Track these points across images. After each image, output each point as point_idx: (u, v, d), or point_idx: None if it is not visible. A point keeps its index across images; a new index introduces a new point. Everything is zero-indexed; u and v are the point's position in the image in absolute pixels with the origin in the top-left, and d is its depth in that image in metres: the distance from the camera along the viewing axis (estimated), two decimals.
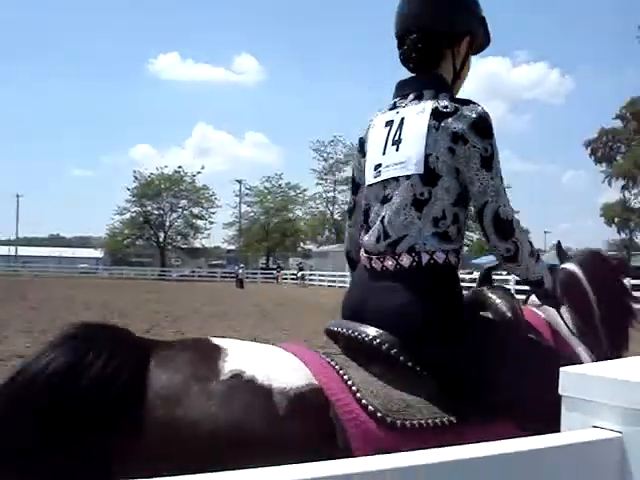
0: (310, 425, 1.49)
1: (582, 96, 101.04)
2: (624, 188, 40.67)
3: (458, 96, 1.96)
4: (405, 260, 1.82)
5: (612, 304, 2.36)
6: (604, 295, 2.33)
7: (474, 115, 1.82)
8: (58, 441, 1.38)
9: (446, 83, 1.96)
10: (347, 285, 2.38)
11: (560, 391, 0.73)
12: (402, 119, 1.90)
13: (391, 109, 1.98)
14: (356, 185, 2.15)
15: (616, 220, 41.46)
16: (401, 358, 1.71)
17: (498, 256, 1.88)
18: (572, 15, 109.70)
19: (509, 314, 1.80)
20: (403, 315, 1.75)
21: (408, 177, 1.84)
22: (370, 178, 1.98)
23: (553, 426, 0.94)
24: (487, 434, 1.32)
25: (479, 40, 2.07)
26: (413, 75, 2.01)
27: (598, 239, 78.85)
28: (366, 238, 1.94)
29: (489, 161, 1.82)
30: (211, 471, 0.75)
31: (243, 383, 1.49)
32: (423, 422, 1.58)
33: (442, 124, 1.82)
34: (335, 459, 0.79)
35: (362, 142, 2.10)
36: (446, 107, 1.84)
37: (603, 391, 0.69)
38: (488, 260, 46.62)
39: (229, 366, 1.51)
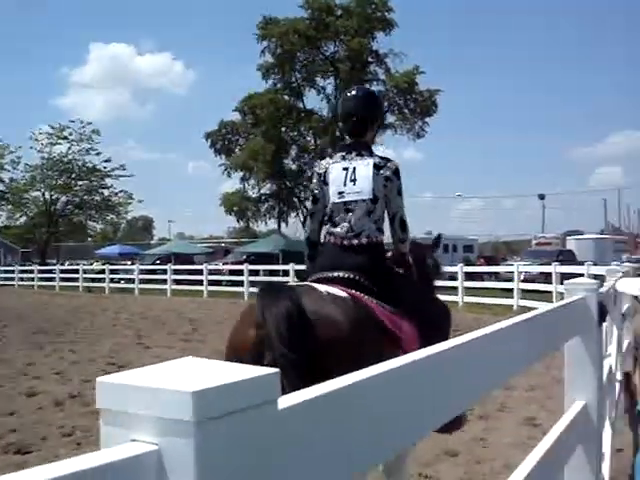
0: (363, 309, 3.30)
1: (205, 88, 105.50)
2: (243, 179, 43.41)
3: (380, 154, 3.89)
4: (364, 240, 3.68)
5: (422, 268, 4.28)
6: (418, 263, 4.21)
7: (394, 167, 3.77)
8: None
9: (371, 147, 3.91)
10: None
11: (98, 404, 0.66)
12: (354, 167, 3.72)
13: (343, 160, 3.77)
14: (315, 199, 3.89)
15: (235, 209, 44.06)
16: (366, 283, 3.49)
17: (397, 241, 3.89)
18: (191, 7, 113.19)
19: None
20: (365, 265, 3.58)
21: (363, 200, 3.68)
22: (335, 198, 3.74)
23: (432, 322, 3.54)
24: (402, 318, 3.44)
25: (382, 121, 4.83)
26: (352, 141, 3.87)
27: (223, 227, 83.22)
28: (337, 230, 3.72)
29: (400, 191, 3.81)
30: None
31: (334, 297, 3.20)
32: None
33: (379, 172, 3.70)
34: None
35: (323, 176, 3.81)
36: (380, 162, 3.74)
37: (139, 401, 0.64)
38: (111, 251, 45.79)
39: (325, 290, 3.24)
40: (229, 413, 0.65)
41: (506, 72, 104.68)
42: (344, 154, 3.79)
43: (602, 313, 3.05)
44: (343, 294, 3.26)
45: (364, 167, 3.69)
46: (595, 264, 19.16)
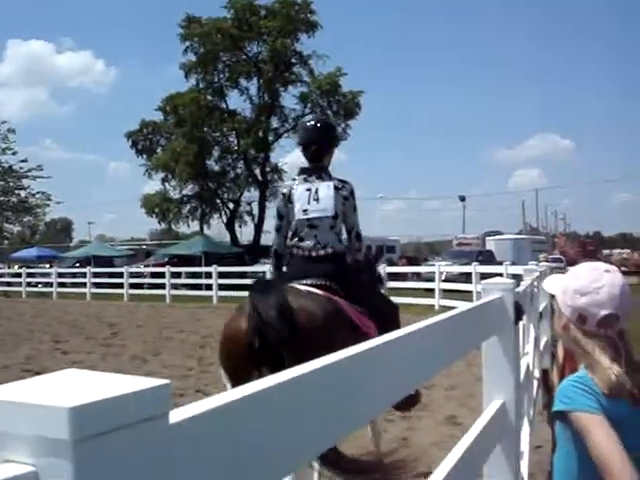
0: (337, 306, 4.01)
1: (127, 88, 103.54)
2: (164, 180, 42.78)
3: (337, 177, 4.50)
4: (330, 251, 4.31)
5: (372, 275, 5.16)
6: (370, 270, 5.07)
7: (350, 188, 4.47)
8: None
9: (328, 170, 4.52)
10: None
11: None
12: (317, 188, 4.34)
13: (305, 182, 4.39)
14: (281, 216, 4.53)
15: (156, 210, 43.31)
16: (335, 286, 4.14)
17: (354, 250, 4.53)
18: (113, 5, 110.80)
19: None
20: (332, 271, 4.20)
21: (327, 217, 4.32)
22: (300, 215, 4.35)
23: (387, 317, 4.32)
24: (363, 314, 4.14)
25: (335, 147, 4.70)
26: (312, 165, 4.46)
27: (144, 229, 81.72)
28: (304, 243, 4.34)
29: (355, 208, 4.50)
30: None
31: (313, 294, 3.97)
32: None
33: (338, 192, 4.36)
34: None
35: (288, 196, 4.43)
36: (338, 184, 4.40)
37: (14, 418, 0.57)
38: (28, 254, 44.41)
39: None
40: (114, 429, 0.60)
41: (427, 75, 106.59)
42: (306, 177, 4.46)
43: (518, 312, 3.09)
44: (320, 292, 4.05)
45: (326, 188, 4.38)
46: (513, 264, 19.67)
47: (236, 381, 3.38)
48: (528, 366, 5.19)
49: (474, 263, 19.98)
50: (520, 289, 3.49)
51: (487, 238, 43.43)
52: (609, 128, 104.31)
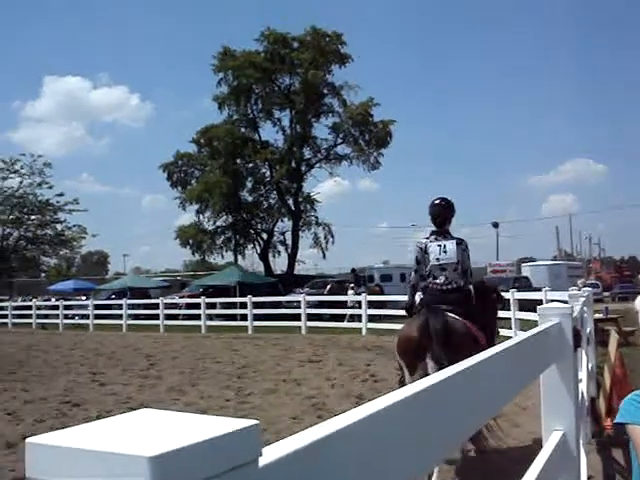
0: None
1: (161, 121, 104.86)
2: (198, 212, 43.05)
3: (455, 236, 6.56)
4: (454, 285, 6.34)
5: (489, 305, 6.79)
6: (484, 301, 6.66)
7: (465, 243, 6.56)
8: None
9: (450, 232, 6.56)
10: None
11: (28, 473, 0.50)
12: (445, 244, 6.36)
13: (436, 240, 6.41)
14: (418, 261, 6.45)
15: (191, 242, 43.53)
16: (459, 311, 6.01)
17: (467, 283, 6.51)
18: (150, 40, 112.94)
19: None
20: (456, 300, 6.15)
21: (452, 262, 6.35)
22: (434, 262, 6.33)
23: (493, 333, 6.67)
24: (479, 330, 6.05)
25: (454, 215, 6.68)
26: (439, 229, 6.47)
27: (179, 260, 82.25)
28: (437, 280, 6.34)
29: (469, 256, 6.60)
30: None
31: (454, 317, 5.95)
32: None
33: (459, 246, 6.41)
34: None
35: (424, 249, 6.41)
36: (458, 241, 6.47)
37: (81, 469, 0.47)
38: (65, 287, 44.94)
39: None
40: None
41: (458, 101, 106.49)
42: (436, 236, 6.52)
43: (577, 338, 2.95)
44: (457, 318, 5.95)
45: (451, 244, 6.45)
46: (552, 290, 19.29)
47: (409, 367, 5.77)
48: (582, 394, 5.01)
49: (511, 290, 19.60)
50: (575, 314, 3.34)
51: (522, 265, 42.85)
52: None
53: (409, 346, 5.72)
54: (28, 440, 0.55)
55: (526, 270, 40.14)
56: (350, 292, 28.82)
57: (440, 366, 5.05)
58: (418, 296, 6.62)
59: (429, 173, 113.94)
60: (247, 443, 0.56)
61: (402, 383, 5.67)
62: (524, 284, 32.44)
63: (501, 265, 44.31)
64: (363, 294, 24.30)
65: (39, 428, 8.18)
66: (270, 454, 0.62)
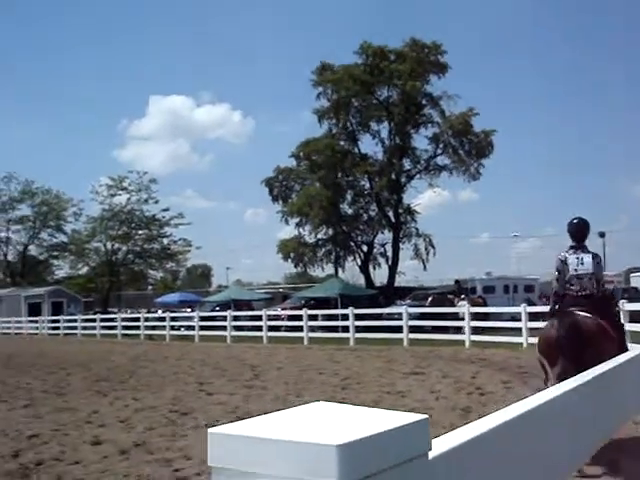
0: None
1: (262, 137, 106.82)
2: (298, 225, 43.58)
3: (592, 251, 7.60)
4: (588, 292, 7.28)
5: (612, 310, 8.67)
6: (609, 306, 8.11)
7: (600, 257, 7.69)
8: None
9: (586, 246, 7.54)
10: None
11: (210, 461, 0.52)
12: (582, 257, 7.35)
13: (575, 253, 7.39)
14: (559, 271, 7.41)
15: (292, 255, 44.09)
16: (590, 310, 6.94)
17: (601, 291, 7.56)
18: (251, 57, 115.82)
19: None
20: (589, 304, 7.07)
21: (588, 273, 7.30)
22: (572, 272, 7.31)
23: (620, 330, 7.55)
24: (610, 327, 6.98)
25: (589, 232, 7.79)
26: (578, 244, 7.46)
27: (280, 273, 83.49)
28: (574, 288, 7.32)
29: (602, 269, 7.78)
30: None
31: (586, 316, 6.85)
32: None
33: (594, 259, 7.38)
34: None
35: (564, 261, 7.37)
36: (593, 254, 7.50)
37: (265, 458, 0.49)
38: (171, 299, 46.41)
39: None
40: (379, 472, 0.50)
41: (561, 110, 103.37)
42: (575, 250, 7.47)
43: None
44: (590, 316, 6.82)
45: (587, 257, 7.42)
46: None
47: (550, 363, 6.65)
48: None
49: (621, 301, 18.78)
50: None
51: (631, 275, 41.07)
52: None
53: (549, 344, 6.75)
54: (210, 430, 0.57)
55: (635, 281, 38.45)
56: (462, 302, 28.53)
57: (577, 361, 5.98)
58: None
59: (531, 182, 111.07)
60: (419, 436, 0.56)
61: (547, 378, 6.88)
62: (633, 295, 31.08)
63: (609, 275, 42.59)
64: (466, 306, 23.90)
65: (150, 435, 8.44)
66: (438, 447, 0.63)
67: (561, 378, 5.57)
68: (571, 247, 7.55)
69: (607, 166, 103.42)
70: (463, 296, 31.56)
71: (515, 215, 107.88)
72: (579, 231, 7.63)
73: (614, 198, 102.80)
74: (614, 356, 5.85)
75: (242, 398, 11.84)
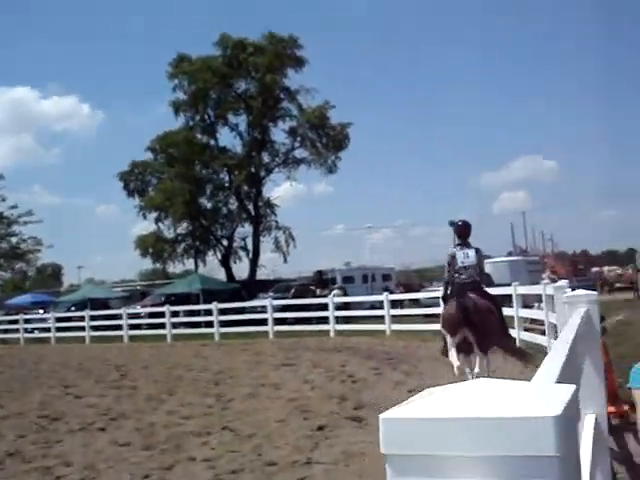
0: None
1: (114, 130, 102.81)
2: (158, 220, 42.58)
3: (474, 246, 9.26)
4: (475, 280, 8.99)
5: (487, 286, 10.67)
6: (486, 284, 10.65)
7: (482, 251, 9.40)
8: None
9: (469, 242, 9.23)
10: None
11: (385, 449, 0.49)
12: (467, 252, 9.03)
13: (462, 249, 9.06)
14: (449, 264, 9.16)
15: (151, 251, 43.00)
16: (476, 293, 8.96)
17: (483, 279, 9.59)
18: (102, 49, 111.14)
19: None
20: (474, 288, 8.89)
21: (472, 265, 9.00)
22: (460, 264, 8.98)
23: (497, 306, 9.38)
24: (492, 305, 9.15)
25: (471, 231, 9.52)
26: (463, 242, 9.17)
27: (133, 270, 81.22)
28: (462, 277, 8.98)
29: (483, 260, 9.67)
30: None
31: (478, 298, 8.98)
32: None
33: (477, 253, 9.12)
34: None
35: (453, 256, 9.07)
36: (477, 249, 9.17)
37: (461, 439, 0.47)
38: (23, 300, 43.99)
39: None
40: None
41: (412, 102, 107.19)
42: (461, 247, 9.09)
43: (602, 325, 3.02)
44: (478, 297, 8.66)
45: (471, 252, 9.02)
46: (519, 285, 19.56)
47: (451, 334, 8.63)
48: None
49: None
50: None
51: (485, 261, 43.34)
52: (591, 145, 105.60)
53: (451, 320, 8.69)
54: (382, 416, 0.55)
55: (487, 267, 40.61)
56: (336, 291, 29.06)
57: (472, 331, 8.45)
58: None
59: (383, 175, 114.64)
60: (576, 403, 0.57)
61: (445, 347, 9.07)
62: (486, 280, 32.82)
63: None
64: (329, 296, 24.36)
65: (23, 443, 8.02)
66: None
67: (459, 345, 8.66)
68: (457, 244, 9.17)
69: (454, 157, 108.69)
70: (338, 286, 32.23)
71: (368, 207, 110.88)
72: (464, 232, 9.25)
73: (461, 187, 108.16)
74: (497, 327, 9.02)
75: (113, 399, 11.49)
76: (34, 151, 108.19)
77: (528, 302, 16.97)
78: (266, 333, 23.51)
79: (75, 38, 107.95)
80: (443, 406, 0.51)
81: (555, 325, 10.92)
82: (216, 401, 10.48)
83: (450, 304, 8.88)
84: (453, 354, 8.64)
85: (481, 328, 8.45)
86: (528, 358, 9.63)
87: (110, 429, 8.74)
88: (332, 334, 21.94)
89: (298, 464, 6.39)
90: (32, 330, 32.87)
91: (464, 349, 8.67)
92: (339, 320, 22.95)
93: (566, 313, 3.06)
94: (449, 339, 8.70)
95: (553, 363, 1.22)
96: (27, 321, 32.96)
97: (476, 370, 8.48)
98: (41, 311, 38.98)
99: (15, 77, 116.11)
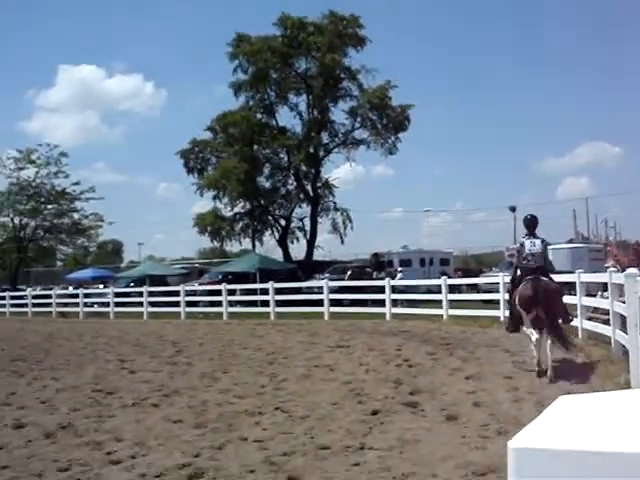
0: None
1: (177, 109, 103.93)
2: (215, 198, 42.91)
3: (540, 236, 10.71)
4: (541, 266, 10.41)
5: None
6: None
7: (547, 241, 10.87)
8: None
9: (536, 234, 10.65)
10: None
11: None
12: (534, 241, 10.44)
13: (529, 239, 10.49)
14: (518, 252, 10.79)
15: (209, 229, 43.41)
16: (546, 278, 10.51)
17: (549, 265, 10.94)
18: (167, 26, 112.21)
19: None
20: (542, 272, 10.36)
21: (539, 252, 10.40)
22: (527, 251, 10.42)
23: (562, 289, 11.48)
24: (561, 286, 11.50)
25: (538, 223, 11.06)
26: (531, 232, 10.62)
27: (194, 248, 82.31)
28: (529, 263, 10.41)
29: (547, 248, 10.86)
30: None
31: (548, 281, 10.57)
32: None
33: (543, 242, 10.53)
34: None
35: (522, 244, 10.63)
36: (543, 239, 10.59)
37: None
38: (84, 275, 45.06)
39: None
40: None
41: (475, 84, 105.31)
42: (529, 237, 10.45)
43: None
44: (548, 280, 10.30)
45: (538, 241, 10.38)
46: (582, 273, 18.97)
47: (527, 311, 10.09)
48: None
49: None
50: None
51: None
52: None
53: (527, 299, 10.05)
54: (513, 445, 0.40)
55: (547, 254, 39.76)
56: (399, 275, 28.84)
57: (545, 309, 9.87)
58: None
59: (443, 159, 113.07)
60: None
61: (519, 322, 10.70)
62: (551, 268, 32.12)
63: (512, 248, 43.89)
64: (387, 279, 24.11)
65: (75, 417, 8.04)
66: None
67: (534, 321, 9.98)
68: (526, 234, 10.75)
69: (516, 142, 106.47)
70: (400, 269, 31.99)
71: (428, 191, 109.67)
72: (532, 223, 10.75)
73: (524, 172, 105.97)
74: (563, 308, 10.62)
75: (167, 375, 11.52)
76: (98, 129, 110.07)
77: (590, 290, 16.46)
78: (322, 314, 23.41)
79: (139, 17, 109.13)
80: (595, 432, 0.41)
81: (622, 315, 10.49)
82: (269, 381, 10.40)
83: (525, 285, 10.18)
84: (530, 329, 10.09)
85: (552, 307, 10.04)
86: (570, 345, 10.26)
87: (163, 405, 8.72)
88: (388, 317, 21.71)
89: (351, 449, 6.21)
90: (92, 304, 33.55)
91: (537, 325, 10.00)
92: (396, 303, 22.75)
93: None
94: (525, 316, 10.20)
95: None
96: (87, 295, 33.64)
97: (548, 342, 9.75)
98: (101, 286, 39.80)
99: (81, 55, 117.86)
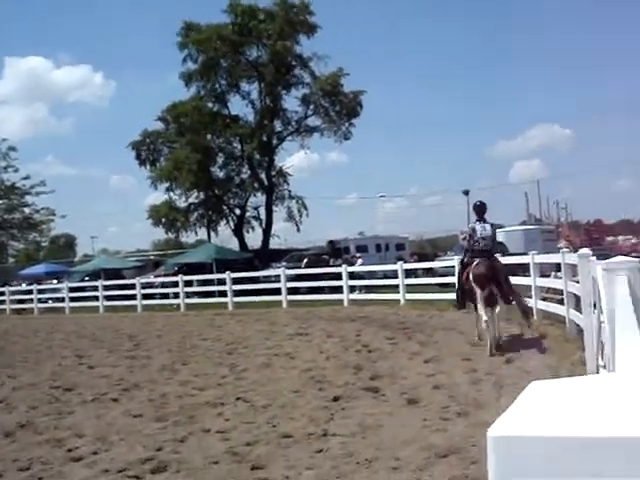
0: None
1: (127, 100, 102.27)
2: (168, 190, 42.41)
3: (490, 221, 11.84)
4: (488, 247, 11.52)
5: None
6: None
7: (496, 225, 12.93)
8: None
9: (486, 219, 11.67)
10: None
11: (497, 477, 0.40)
12: (484, 226, 11.49)
13: (480, 224, 11.50)
14: (471, 236, 11.63)
15: (163, 221, 42.95)
16: (492, 257, 11.68)
17: (495, 247, 12.64)
18: (115, 15, 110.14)
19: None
20: (490, 256, 11.46)
21: (488, 236, 11.50)
22: (478, 235, 11.45)
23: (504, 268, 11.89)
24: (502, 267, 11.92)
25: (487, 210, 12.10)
26: (480, 218, 11.61)
27: (147, 240, 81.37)
28: (479, 246, 11.45)
29: (496, 233, 12.74)
30: None
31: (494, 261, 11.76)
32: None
33: (492, 227, 11.70)
34: None
35: (473, 228, 11.60)
36: (492, 224, 11.79)
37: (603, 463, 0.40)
38: (37, 271, 44.09)
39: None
40: None
41: (426, 70, 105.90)
42: (479, 222, 11.50)
43: None
44: (494, 259, 11.60)
45: (488, 226, 11.47)
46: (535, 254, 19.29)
47: (481, 288, 10.84)
48: None
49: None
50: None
51: (497, 231, 43.14)
52: (608, 116, 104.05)
53: (481, 276, 10.87)
54: (492, 433, 0.39)
55: (500, 235, 40.37)
56: (359, 261, 28.85)
57: (496, 286, 10.85)
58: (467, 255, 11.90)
59: (397, 144, 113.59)
60: None
61: (462, 301, 12.20)
62: (501, 249, 32.59)
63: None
64: (343, 265, 24.19)
65: (35, 415, 7.94)
66: None
67: (486, 298, 10.79)
68: (476, 220, 11.70)
69: (469, 126, 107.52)
70: (359, 255, 32.09)
71: (382, 176, 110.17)
72: (481, 209, 11.71)
73: (475, 156, 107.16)
74: (509, 283, 11.30)
75: (126, 369, 11.43)
76: (47, 121, 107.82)
77: (544, 271, 16.75)
78: (280, 303, 23.42)
79: (86, 7, 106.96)
80: (579, 417, 0.41)
81: (575, 295, 10.72)
82: (230, 371, 10.39)
83: (478, 265, 11.09)
84: (481, 307, 10.85)
85: (500, 283, 11.01)
86: (530, 318, 11.77)
87: (123, 400, 8.65)
88: (346, 303, 21.81)
89: (314, 436, 6.25)
90: (46, 300, 33.02)
91: (489, 301, 10.88)
92: (352, 289, 22.87)
93: (602, 282, 2.86)
94: (479, 293, 10.90)
95: None
96: (41, 291, 33.09)
97: (497, 310, 11.05)
98: (55, 281, 39.13)
99: (28, 47, 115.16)
